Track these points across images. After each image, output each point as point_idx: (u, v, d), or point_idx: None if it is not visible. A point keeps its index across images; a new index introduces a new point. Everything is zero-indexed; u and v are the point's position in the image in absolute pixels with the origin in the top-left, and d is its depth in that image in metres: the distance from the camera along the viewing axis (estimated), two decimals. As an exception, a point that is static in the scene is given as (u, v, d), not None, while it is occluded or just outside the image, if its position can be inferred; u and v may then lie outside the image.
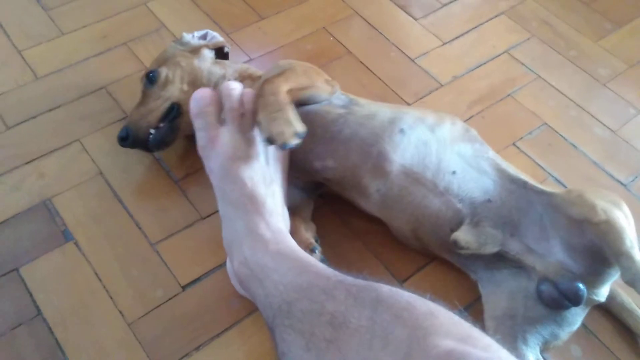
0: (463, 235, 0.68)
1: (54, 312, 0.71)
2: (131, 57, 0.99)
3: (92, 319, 0.71)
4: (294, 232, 0.69)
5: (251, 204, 0.63)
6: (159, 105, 0.81)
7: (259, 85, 0.68)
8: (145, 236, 0.78)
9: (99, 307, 0.72)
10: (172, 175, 0.85)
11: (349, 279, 0.52)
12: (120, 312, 0.71)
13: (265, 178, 0.65)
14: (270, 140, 0.63)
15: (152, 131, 0.80)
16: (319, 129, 0.72)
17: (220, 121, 0.67)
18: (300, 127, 0.64)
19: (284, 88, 0.67)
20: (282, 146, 0.63)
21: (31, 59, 0.98)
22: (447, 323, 0.45)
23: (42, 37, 1.01)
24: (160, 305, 0.72)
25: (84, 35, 1.02)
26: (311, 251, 0.70)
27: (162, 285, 0.74)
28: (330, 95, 0.74)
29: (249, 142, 0.66)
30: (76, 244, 0.77)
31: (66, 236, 0.78)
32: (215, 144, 0.65)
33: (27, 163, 0.85)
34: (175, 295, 0.73)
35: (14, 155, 0.85)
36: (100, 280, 0.74)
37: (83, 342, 0.69)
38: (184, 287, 0.74)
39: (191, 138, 0.83)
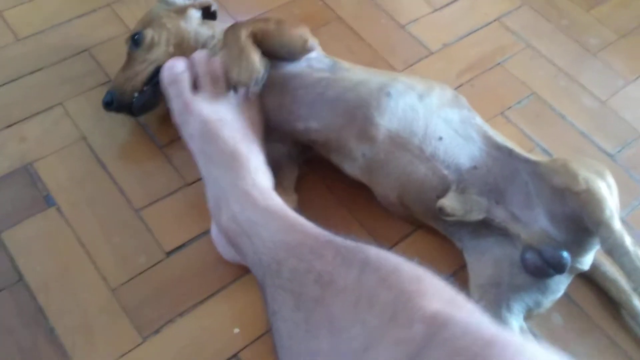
0: (449, 202, 0.68)
1: (36, 278, 0.70)
2: (115, 18, 0.97)
3: (75, 284, 0.70)
4: None
5: (235, 161, 0.63)
6: (144, 68, 0.79)
7: (223, 35, 0.70)
8: (128, 202, 0.77)
9: (81, 272, 0.71)
10: (156, 141, 0.83)
11: (338, 239, 0.53)
12: (104, 277, 0.71)
13: (246, 137, 0.66)
14: (234, 86, 0.66)
15: (136, 94, 0.79)
16: (301, 89, 0.71)
17: (194, 88, 0.69)
18: (260, 67, 0.67)
19: (245, 32, 0.69)
20: (246, 90, 0.66)
21: (12, 20, 0.96)
22: (433, 288, 0.45)
23: (23, -3, 0.99)
24: (144, 271, 0.72)
25: (67, -4, 1.00)
26: None
27: (146, 251, 0.73)
28: (304, 49, 0.73)
29: (224, 104, 0.68)
30: (58, 209, 0.76)
31: (48, 201, 0.77)
32: (192, 109, 0.66)
33: (8, 127, 0.83)
34: (159, 262, 0.73)
35: (-5, 118, 0.84)
36: (82, 245, 0.73)
37: (66, 307, 0.69)
38: (168, 254, 0.73)
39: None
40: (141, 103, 0.80)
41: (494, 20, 1.04)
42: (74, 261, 0.72)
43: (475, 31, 1.02)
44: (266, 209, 0.59)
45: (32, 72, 0.89)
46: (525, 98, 0.93)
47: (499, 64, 0.97)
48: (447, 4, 1.05)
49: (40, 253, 0.73)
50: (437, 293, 0.45)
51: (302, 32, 0.74)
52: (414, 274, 0.47)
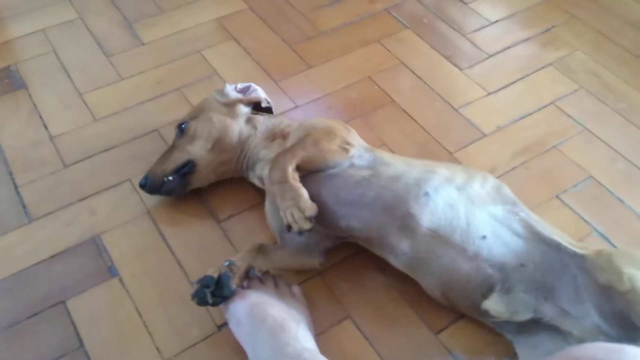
0: (494, 305, 0.67)
1: (95, 345, 0.74)
2: (183, 101, 1.04)
3: (131, 353, 0.73)
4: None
5: (283, 331, 0.67)
6: (180, 157, 0.85)
7: (269, 169, 0.73)
8: (186, 275, 0.80)
9: (138, 342, 0.74)
10: (216, 216, 0.87)
11: None
12: (157, 348, 0.73)
13: (293, 317, 0.70)
14: (288, 227, 0.70)
15: (165, 179, 0.84)
16: (343, 191, 0.74)
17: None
18: (310, 211, 0.70)
19: (290, 169, 0.72)
20: (299, 232, 0.69)
21: (91, 102, 1.04)
22: None
23: (103, 81, 1.07)
24: (196, 343, 0.74)
25: (141, 81, 1.08)
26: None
27: (199, 324, 0.76)
28: (345, 160, 0.76)
29: (271, 290, 0.73)
30: (120, 280, 0.80)
31: (112, 272, 0.81)
32: (240, 296, 0.71)
33: (80, 200, 0.89)
34: (211, 335, 0.75)
35: (69, 192, 0.90)
36: (140, 316, 0.76)
37: (121, 376, 0.71)
38: (219, 327, 0.75)
39: (235, 181, 0.86)
40: (168, 189, 0.85)
41: (550, 104, 1.04)
42: (132, 331, 0.75)
43: (530, 114, 1.03)
44: None
45: (105, 150, 0.96)
46: (582, 181, 0.92)
47: (554, 146, 0.97)
48: (502, 88, 1.07)
49: (100, 321, 0.76)
50: None
51: (341, 141, 0.77)
52: None
